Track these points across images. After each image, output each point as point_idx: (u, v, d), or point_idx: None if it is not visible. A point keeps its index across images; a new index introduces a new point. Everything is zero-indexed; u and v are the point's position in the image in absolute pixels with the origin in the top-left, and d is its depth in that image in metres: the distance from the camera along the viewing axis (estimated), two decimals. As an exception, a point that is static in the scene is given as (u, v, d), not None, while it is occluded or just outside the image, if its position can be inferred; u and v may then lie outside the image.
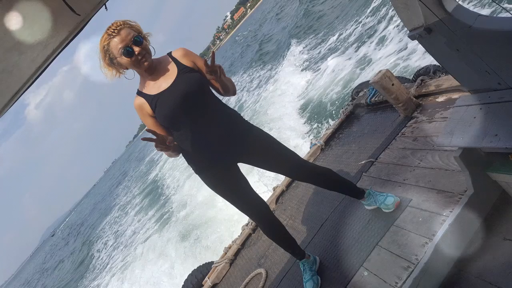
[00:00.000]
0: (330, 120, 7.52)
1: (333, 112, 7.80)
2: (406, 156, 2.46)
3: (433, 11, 1.30)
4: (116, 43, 1.67)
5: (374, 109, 3.51)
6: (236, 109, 2.75)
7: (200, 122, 1.81)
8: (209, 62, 1.66)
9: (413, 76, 3.56)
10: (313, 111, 8.66)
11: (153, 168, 24.63)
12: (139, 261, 10.13)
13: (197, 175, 1.99)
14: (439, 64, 1.74)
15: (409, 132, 2.69)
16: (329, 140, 3.88)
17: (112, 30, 1.67)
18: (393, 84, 2.86)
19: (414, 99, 2.90)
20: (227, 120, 1.89)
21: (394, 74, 2.97)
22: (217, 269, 3.51)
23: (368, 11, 11.70)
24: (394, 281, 1.69)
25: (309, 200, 3.11)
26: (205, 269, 3.80)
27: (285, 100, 10.36)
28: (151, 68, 1.79)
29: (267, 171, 2.23)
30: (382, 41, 8.82)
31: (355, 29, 11.56)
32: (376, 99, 3.42)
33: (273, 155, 1.98)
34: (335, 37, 12.70)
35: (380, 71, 2.92)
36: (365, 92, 3.79)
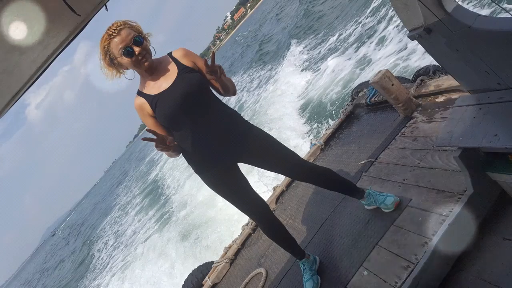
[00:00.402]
0: (330, 120, 7.52)
1: (333, 112, 7.80)
2: (405, 156, 2.47)
3: (432, 11, 1.30)
4: (117, 43, 1.67)
5: (374, 109, 3.51)
6: (236, 109, 2.75)
7: (200, 122, 1.82)
8: (209, 62, 1.66)
9: (413, 76, 3.56)
10: (313, 111, 8.66)
11: (153, 168, 24.62)
12: (139, 260, 10.14)
13: (197, 175, 1.99)
14: (438, 64, 1.74)
15: (408, 132, 2.69)
16: (329, 140, 3.88)
17: (113, 30, 1.67)
18: (392, 84, 2.86)
19: (414, 99, 2.90)
20: (227, 120, 1.89)
21: (394, 74, 2.97)
22: (217, 268, 3.51)
23: (368, 11, 11.69)
24: (394, 281, 1.70)
25: (309, 200, 3.11)
26: (205, 268, 3.81)
27: (285, 100, 10.36)
28: (151, 68, 1.79)
29: (267, 171, 2.23)
30: (382, 41, 8.82)
31: (355, 29, 11.56)
32: (376, 99, 3.42)
33: (273, 155, 1.98)
34: (335, 37, 12.70)
35: (380, 71, 2.93)
36: (365, 92, 3.79)
